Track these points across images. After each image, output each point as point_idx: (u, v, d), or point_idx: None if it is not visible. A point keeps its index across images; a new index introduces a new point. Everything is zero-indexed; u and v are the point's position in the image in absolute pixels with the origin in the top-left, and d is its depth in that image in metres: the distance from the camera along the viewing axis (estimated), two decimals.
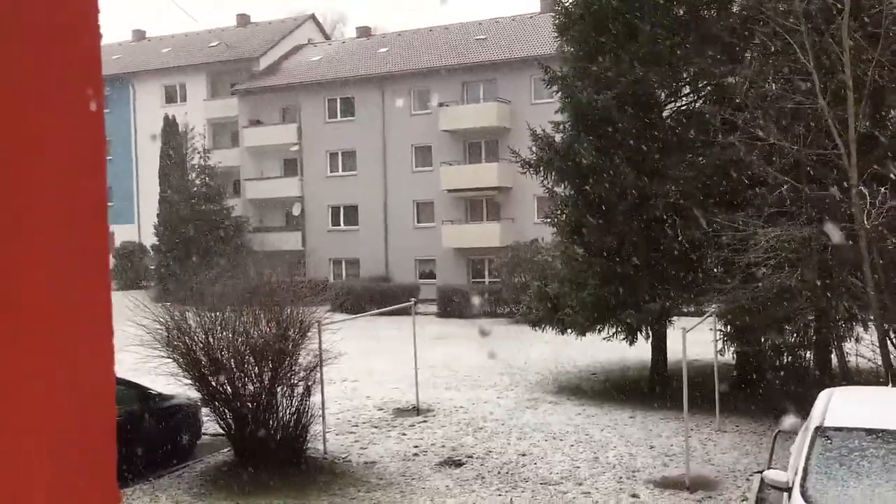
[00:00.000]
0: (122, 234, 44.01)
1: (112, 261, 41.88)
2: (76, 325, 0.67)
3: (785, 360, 15.56)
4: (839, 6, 12.34)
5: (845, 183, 12.60)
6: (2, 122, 0.63)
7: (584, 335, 17.63)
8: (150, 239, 41.29)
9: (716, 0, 16.40)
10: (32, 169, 0.65)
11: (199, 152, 39.72)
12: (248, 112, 42.99)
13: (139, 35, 52.29)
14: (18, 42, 0.65)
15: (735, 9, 16.11)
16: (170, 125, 40.50)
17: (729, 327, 15.96)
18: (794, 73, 13.16)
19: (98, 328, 0.68)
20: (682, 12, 16.49)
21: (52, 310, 0.65)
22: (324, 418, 12.71)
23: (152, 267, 40.34)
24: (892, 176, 12.96)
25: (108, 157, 44.51)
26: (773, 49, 13.95)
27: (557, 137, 17.53)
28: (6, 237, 0.63)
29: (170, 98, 45.99)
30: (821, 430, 7.41)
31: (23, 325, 0.64)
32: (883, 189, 12.15)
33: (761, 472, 9.47)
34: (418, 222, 38.79)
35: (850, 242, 12.68)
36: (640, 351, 17.97)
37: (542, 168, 17.42)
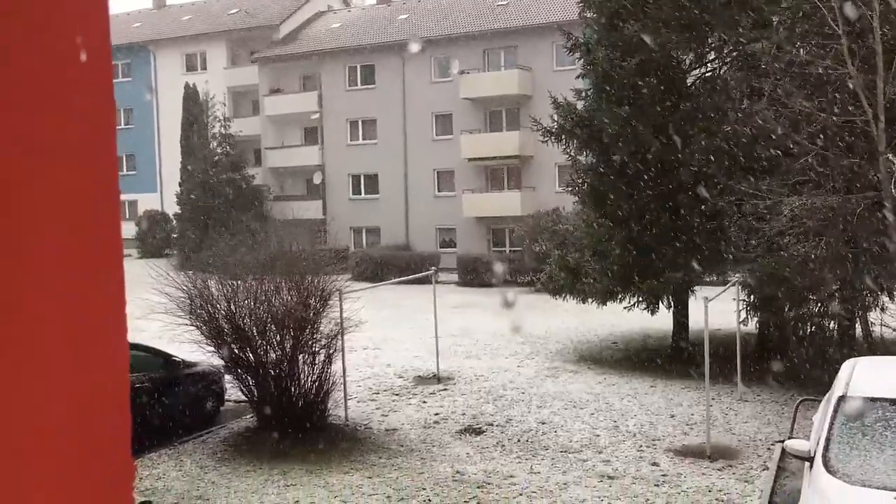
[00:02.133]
0: (144, 202, 44.34)
1: (135, 229, 42.24)
2: (88, 299, 0.66)
3: (808, 330, 15.44)
4: None
5: (872, 151, 12.39)
6: (10, 113, 0.62)
7: (605, 304, 17.59)
8: (172, 208, 41.57)
9: None
10: (42, 154, 0.64)
11: (219, 121, 39.79)
12: (268, 80, 42.92)
13: (160, 3, 52.22)
14: (22, 29, 0.63)
15: None
16: (190, 94, 40.55)
17: (752, 297, 15.85)
18: (823, 38, 12.90)
19: (111, 302, 0.67)
20: None
21: (64, 282, 0.64)
22: (345, 386, 12.81)
23: (175, 235, 40.66)
24: None
25: (130, 126, 44.76)
26: (800, 13, 13.66)
27: (579, 105, 17.35)
28: (16, 218, 0.62)
29: (190, 66, 45.99)
30: (844, 400, 7.36)
31: (34, 300, 0.63)
32: None
33: (783, 441, 9.45)
34: (439, 191, 38.72)
35: (877, 210, 12.50)
36: (662, 320, 17.92)
37: (563, 136, 17.27)
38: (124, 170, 44.83)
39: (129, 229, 41.69)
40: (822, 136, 13.41)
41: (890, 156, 11.84)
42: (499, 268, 31.28)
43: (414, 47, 35.96)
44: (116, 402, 0.66)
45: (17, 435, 0.61)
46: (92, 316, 0.66)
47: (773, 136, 13.96)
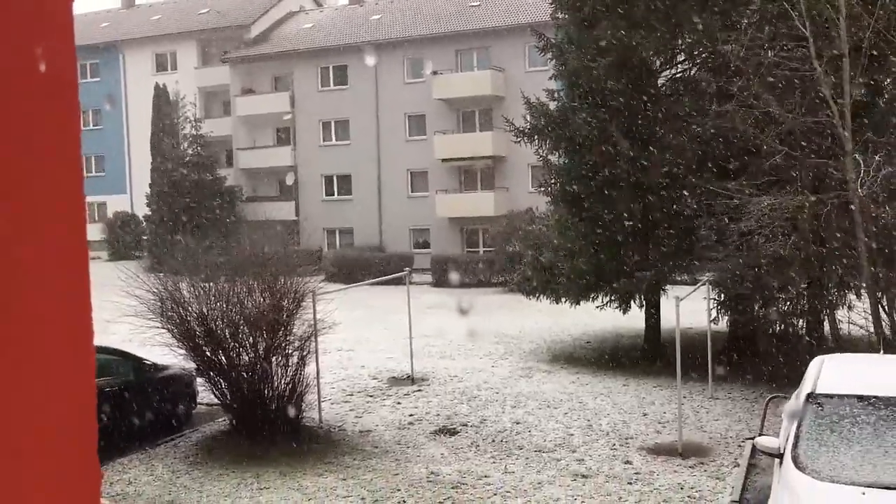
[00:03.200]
0: (114, 204, 43.84)
1: (104, 231, 41.74)
2: (53, 301, 0.65)
3: (778, 329, 15.64)
4: None
5: (840, 151, 12.58)
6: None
7: (578, 304, 17.69)
8: (142, 209, 41.13)
9: None
10: (3, 155, 0.63)
11: (190, 121, 39.43)
12: (239, 80, 42.62)
13: (128, 2, 51.66)
14: None
15: None
16: (161, 94, 40.15)
17: (722, 296, 16.02)
18: (790, 40, 13.07)
19: (76, 304, 0.66)
20: None
21: (26, 287, 0.63)
22: (318, 387, 12.76)
23: (145, 237, 40.24)
24: (885, 144, 12.93)
25: (99, 127, 44.22)
26: (769, 15, 13.83)
27: (552, 105, 17.43)
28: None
29: (160, 66, 45.54)
30: (812, 397, 7.46)
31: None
32: (877, 157, 12.14)
33: (753, 438, 9.57)
34: (412, 191, 38.70)
35: (844, 210, 12.69)
36: (634, 320, 18.05)
37: (536, 137, 17.34)
38: (93, 171, 44.29)
39: (98, 231, 41.18)
40: (790, 137, 13.59)
41: (856, 156, 12.02)
42: (454, 276, 31.22)
43: (370, 60, 35.95)
44: (81, 406, 0.65)
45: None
46: (57, 318, 0.66)
47: (742, 137, 14.13)
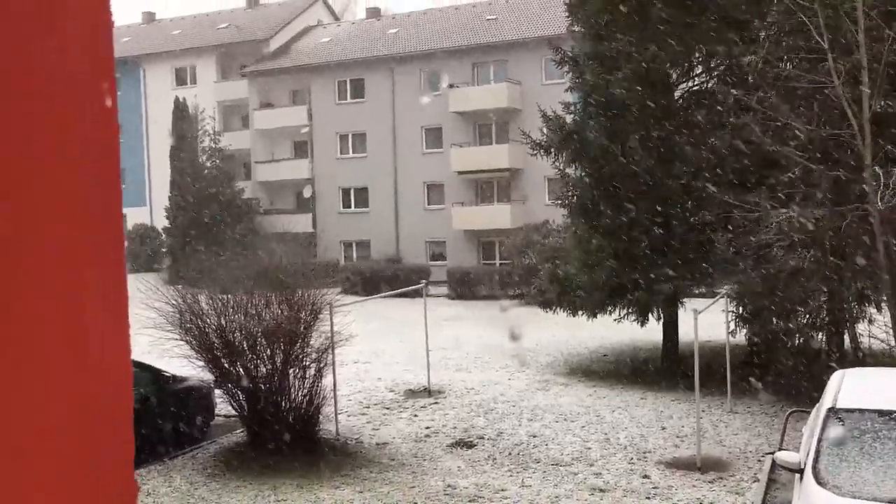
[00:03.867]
0: (133, 216, 44.19)
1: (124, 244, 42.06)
2: (92, 313, 0.67)
3: (797, 342, 15.50)
4: None
5: (858, 163, 12.50)
6: (15, 116, 0.63)
7: (595, 317, 17.62)
8: (161, 221, 41.45)
9: None
10: (46, 162, 0.65)
11: (209, 135, 39.77)
12: (258, 94, 42.96)
13: (149, 17, 52.24)
14: (29, 34, 0.64)
15: None
16: (180, 108, 40.53)
17: (741, 309, 15.91)
18: (809, 53, 13.02)
19: (114, 316, 0.68)
20: None
21: (67, 297, 0.65)
22: (335, 400, 12.77)
23: (164, 250, 40.53)
24: None
25: (120, 140, 44.63)
26: (787, 28, 13.80)
27: (568, 118, 17.44)
28: (21, 230, 0.63)
29: (180, 80, 45.98)
30: (833, 412, 7.39)
31: (38, 313, 0.64)
32: None
33: (773, 453, 9.48)
34: (429, 204, 38.77)
35: (864, 223, 12.59)
36: (651, 333, 17.96)
37: (552, 149, 17.35)
38: None
39: None
40: (809, 149, 13.52)
41: (876, 168, 11.94)
42: (488, 282, 31.20)
43: (404, 67, 36.00)
44: (119, 421, 0.67)
45: (17, 441, 0.61)
46: (94, 324, 0.67)
47: (760, 149, 14.07)
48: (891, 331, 12.58)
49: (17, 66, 0.63)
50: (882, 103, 12.27)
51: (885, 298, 12.91)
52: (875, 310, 14.62)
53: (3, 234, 0.61)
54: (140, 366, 12.35)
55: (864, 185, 12.10)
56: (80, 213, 0.65)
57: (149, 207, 45.43)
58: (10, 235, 0.62)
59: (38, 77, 0.65)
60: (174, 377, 12.86)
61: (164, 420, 12.31)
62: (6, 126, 0.62)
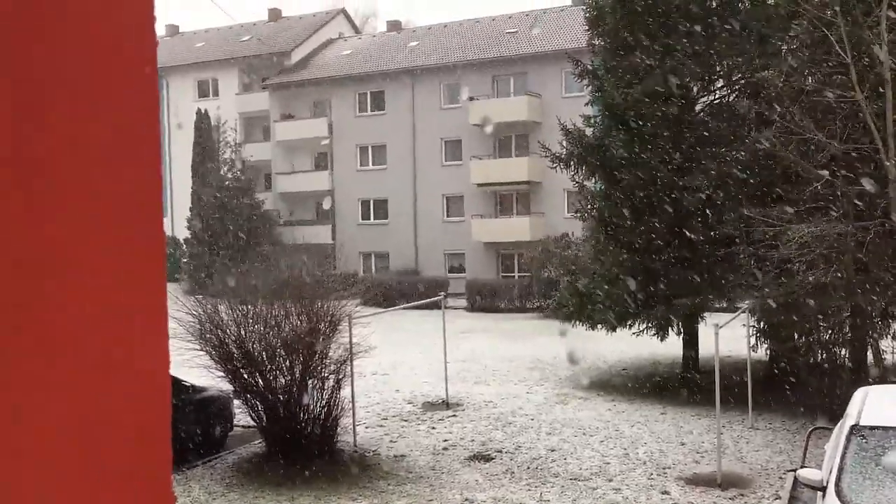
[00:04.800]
0: None
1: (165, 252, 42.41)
2: (132, 320, 0.68)
3: (819, 358, 15.34)
4: None
5: (882, 177, 12.39)
6: (57, 121, 0.64)
7: (615, 330, 17.53)
8: (182, 232, 41.76)
9: None
10: (88, 164, 0.66)
11: (230, 146, 40.10)
12: (279, 106, 43.28)
13: (173, 30, 52.83)
14: (71, 34, 0.66)
15: (770, 0, 15.88)
16: (202, 119, 40.90)
17: (762, 324, 15.78)
18: (831, 66, 12.95)
19: (154, 323, 0.69)
20: (715, 4, 16.29)
21: (108, 304, 0.66)
22: (354, 411, 12.77)
23: (185, 260, 40.81)
24: None
25: (161, 148, 45.04)
26: (809, 42, 13.73)
27: (588, 131, 17.42)
28: (58, 233, 0.64)
29: (202, 92, 46.43)
30: (856, 429, 7.30)
31: (77, 320, 0.65)
32: None
33: (795, 470, 9.37)
34: (448, 216, 38.81)
35: (887, 237, 12.47)
36: (671, 347, 17.84)
37: (572, 162, 17.34)
38: None
39: None
40: (831, 164, 13.42)
41: None
42: (507, 295, 31.07)
43: (424, 79, 36.05)
44: (158, 431, 0.68)
45: (55, 450, 0.62)
46: (134, 333, 0.68)
47: (782, 163, 13.98)
48: None
49: (69, 65, 0.64)
50: None
51: None
52: None
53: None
54: None
55: (888, 200, 11.98)
56: (122, 219, 0.66)
57: (170, 218, 45.78)
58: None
59: (81, 79, 0.65)
60: (193, 387, 12.92)
61: (182, 430, 12.36)
62: (48, 128, 0.63)
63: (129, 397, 0.67)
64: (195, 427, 12.73)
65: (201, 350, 11.78)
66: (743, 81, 16.54)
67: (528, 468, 11.69)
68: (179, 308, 11.74)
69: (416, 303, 20.56)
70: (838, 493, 6.73)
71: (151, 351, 0.68)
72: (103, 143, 0.66)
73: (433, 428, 14.07)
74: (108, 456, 0.65)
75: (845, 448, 7.14)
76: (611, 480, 11.11)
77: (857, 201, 13.16)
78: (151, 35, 0.71)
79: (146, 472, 0.67)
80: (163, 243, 0.70)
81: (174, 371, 12.45)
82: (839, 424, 8.22)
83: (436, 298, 17.45)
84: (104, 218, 0.65)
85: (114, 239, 0.66)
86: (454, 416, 14.90)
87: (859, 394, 8.22)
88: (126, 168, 0.67)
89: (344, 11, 51.06)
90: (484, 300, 32.76)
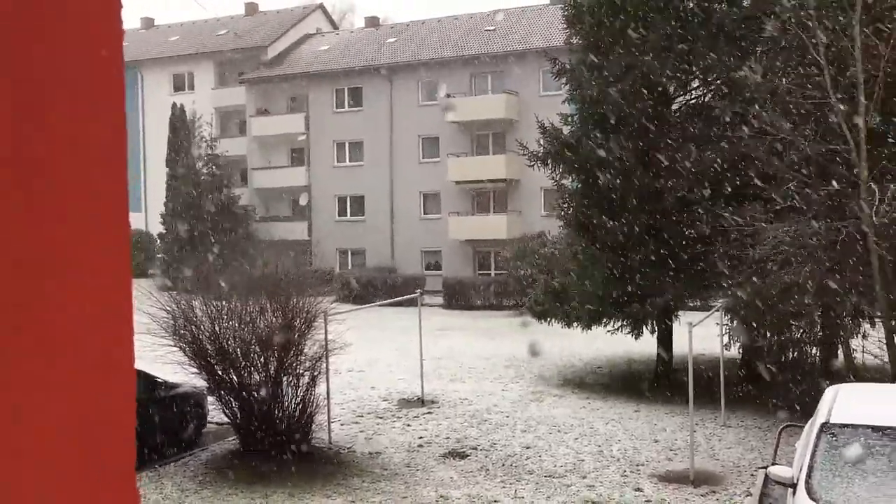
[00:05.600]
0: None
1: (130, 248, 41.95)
2: (97, 317, 0.66)
3: (791, 356, 15.53)
4: (851, 1, 12.26)
5: (854, 179, 12.54)
6: (21, 114, 0.63)
7: (590, 328, 17.62)
8: (157, 227, 41.37)
9: None
10: (53, 159, 0.65)
11: (206, 141, 39.75)
12: (255, 101, 43.00)
13: (147, 23, 52.30)
14: (35, 30, 0.64)
15: (746, 2, 16.01)
16: (177, 114, 40.53)
17: (735, 322, 15.93)
18: (806, 68, 13.09)
19: (118, 321, 0.68)
20: (692, 5, 16.40)
21: (72, 301, 0.65)
22: (329, 408, 12.74)
23: (159, 255, 40.44)
24: None
25: (126, 141, 44.55)
26: (784, 44, 13.86)
27: (566, 130, 17.48)
28: (26, 228, 0.63)
29: (178, 86, 46.02)
30: (826, 427, 7.39)
31: (42, 317, 0.64)
32: (892, 185, 12.09)
33: (766, 467, 9.47)
34: (425, 213, 38.78)
35: (858, 238, 12.63)
36: (646, 345, 17.96)
37: (549, 160, 17.38)
38: None
39: None
40: (805, 164, 13.57)
41: (871, 184, 11.98)
42: (483, 292, 31.16)
43: (402, 76, 36.03)
44: (122, 428, 0.66)
45: (17, 446, 0.61)
46: (97, 329, 0.67)
47: (757, 164, 14.11)
48: (885, 346, 12.60)
49: (29, 64, 0.63)
50: (878, 120, 12.33)
51: (879, 314, 12.94)
52: (869, 325, 14.65)
53: (8, 235, 0.61)
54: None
55: (860, 201, 12.14)
56: (86, 215, 0.65)
57: (144, 213, 45.33)
58: (15, 236, 0.61)
59: (45, 76, 0.64)
60: (167, 383, 12.81)
61: (155, 426, 12.25)
62: (13, 125, 0.62)
63: (94, 394, 0.65)
64: (168, 424, 12.63)
65: (175, 346, 11.69)
66: (719, 82, 16.67)
67: (503, 465, 11.72)
68: (153, 304, 11.63)
69: (392, 300, 20.53)
70: (808, 489, 6.81)
71: (115, 345, 0.67)
72: (67, 136, 0.65)
73: (408, 425, 14.06)
74: (69, 451, 0.63)
75: (815, 445, 7.23)
76: (585, 477, 11.17)
77: (829, 202, 13.32)
78: (118, 28, 0.69)
79: (109, 469, 0.66)
80: (128, 239, 0.68)
81: (148, 367, 12.36)
82: (810, 422, 8.33)
83: (412, 296, 17.43)
84: (68, 215, 0.64)
85: (77, 234, 0.65)
86: (430, 413, 14.91)
87: (830, 392, 8.32)
88: (91, 162, 0.66)
89: (321, 7, 50.82)
90: (460, 298, 32.80)
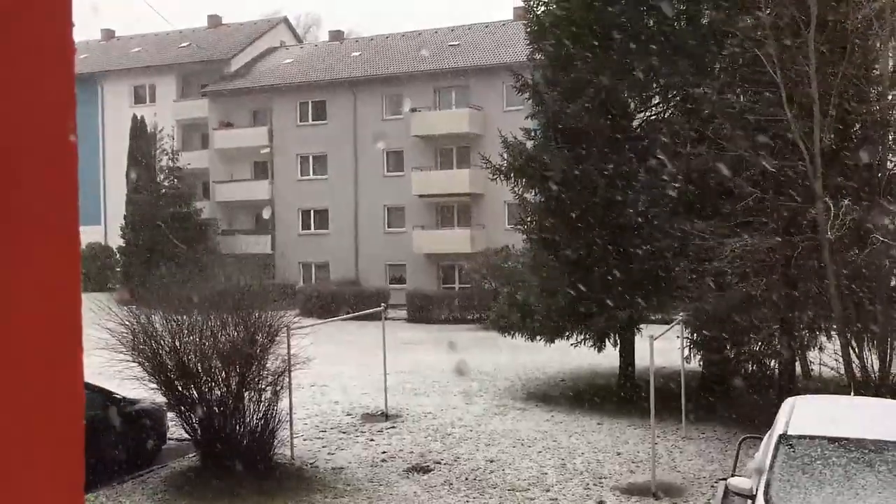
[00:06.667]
0: (88, 235, 43.29)
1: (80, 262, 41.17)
2: (44, 330, 0.66)
3: (750, 369, 15.74)
4: (805, 20, 12.55)
5: (810, 194, 12.81)
6: None
7: (553, 342, 17.70)
8: (116, 240, 40.77)
9: (685, 12, 16.61)
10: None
11: (167, 153, 39.32)
12: (218, 114, 42.67)
13: (108, 34, 51.69)
14: None
15: (704, 21, 16.31)
16: (138, 126, 40.06)
17: (696, 335, 16.12)
18: (762, 85, 13.36)
19: (67, 335, 0.67)
20: (652, 23, 16.66)
21: (18, 315, 0.64)
22: (291, 423, 12.61)
23: (118, 269, 39.83)
24: (855, 188, 13.19)
25: (77, 154, 43.82)
26: (741, 61, 14.14)
27: (528, 144, 17.60)
28: None
29: (139, 98, 45.51)
30: (784, 438, 7.50)
31: None
32: (846, 201, 12.37)
33: (726, 479, 9.57)
34: (389, 227, 38.74)
35: (814, 252, 12.88)
36: (608, 358, 18.08)
37: (512, 175, 17.48)
38: None
39: None
40: (762, 180, 13.83)
41: (826, 199, 12.24)
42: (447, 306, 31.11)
43: (366, 90, 36.04)
44: (69, 445, 0.66)
45: None
46: (43, 344, 0.66)
47: (715, 179, 14.34)
48: (840, 358, 12.84)
49: None
50: (832, 137, 12.62)
51: (835, 326, 13.19)
52: (825, 337, 14.92)
53: None
54: (90, 387, 12.07)
55: (815, 216, 12.40)
56: (34, 226, 0.65)
57: (103, 226, 44.67)
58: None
59: None
60: (125, 399, 12.60)
61: (114, 443, 12.03)
62: None
63: (40, 411, 0.65)
64: (126, 440, 12.42)
65: (134, 361, 11.50)
66: (678, 98, 16.93)
67: (467, 479, 11.70)
68: (112, 318, 11.44)
69: (356, 314, 20.43)
70: (767, 501, 6.90)
71: (63, 360, 0.67)
72: (11, 147, 0.65)
73: (372, 440, 13.98)
74: (12, 468, 0.63)
75: (773, 457, 7.33)
76: (548, 490, 11.19)
77: (786, 216, 13.57)
78: (68, 34, 0.69)
79: (56, 488, 0.65)
80: (78, 253, 0.68)
81: (107, 383, 12.14)
82: (768, 434, 8.44)
83: (376, 309, 17.37)
84: (13, 226, 0.64)
85: (27, 247, 0.64)
86: (393, 427, 14.84)
87: (787, 404, 8.45)
88: (39, 174, 0.66)
89: (286, 20, 50.71)
90: (424, 311, 32.77)
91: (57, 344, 0.66)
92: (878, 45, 13.54)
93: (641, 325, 16.98)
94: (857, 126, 14.21)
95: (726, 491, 9.31)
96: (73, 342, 0.67)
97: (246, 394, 11.75)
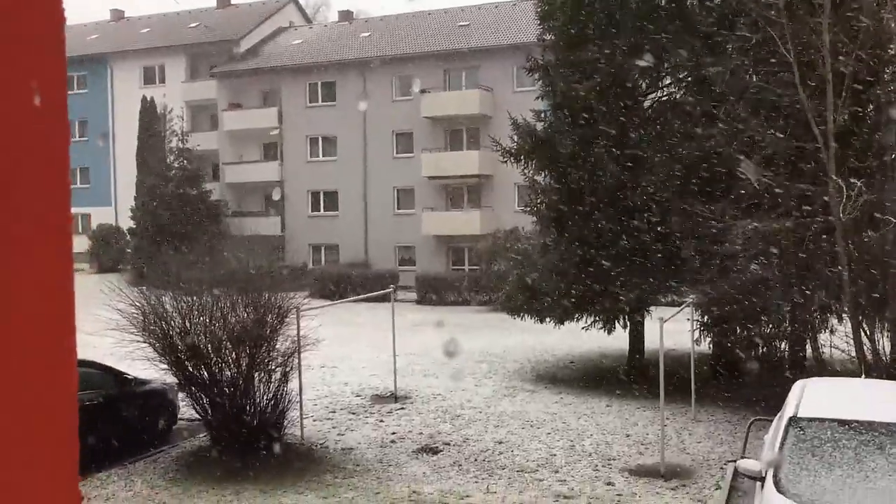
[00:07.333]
0: (98, 216, 43.57)
1: (88, 244, 41.44)
2: (36, 314, 0.64)
3: (760, 351, 15.70)
4: (820, 1, 12.39)
5: (823, 175, 12.70)
6: None
7: (563, 324, 17.69)
8: (126, 222, 40.91)
9: None
10: None
11: (177, 135, 39.33)
12: (227, 95, 42.61)
13: (117, 15, 51.63)
14: None
15: (717, 0, 16.13)
16: (148, 107, 40.06)
17: (706, 317, 16.08)
18: (775, 66, 13.21)
19: (60, 318, 0.66)
20: (664, 2, 16.49)
21: (9, 298, 0.62)
22: (301, 404, 12.68)
23: (129, 250, 40.00)
24: (868, 169, 13.07)
25: (85, 139, 44.01)
26: (754, 41, 13.98)
27: (538, 126, 17.51)
28: None
29: (148, 79, 45.48)
30: (794, 421, 7.48)
31: None
32: (859, 182, 12.25)
33: (735, 461, 9.57)
34: (398, 209, 38.71)
35: (826, 234, 12.79)
36: (618, 340, 18.07)
37: (522, 156, 17.41)
38: (78, 183, 44.05)
39: (82, 243, 40.91)
40: (774, 161, 13.71)
41: (839, 181, 12.13)
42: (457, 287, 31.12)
43: (375, 71, 35.90)
44: (62, 428, 0.64)
45: None
46: (39, 331, 0.65)
47: (726, 160, 14.23)
48: (851, 341, 12.78)
49: None
50: (845, 117, 12.48)
51: (846, 309, 13.12)
52: (836, 320, 14.85)
53: None
54: (102, 368, 12.16)
55: (827, 197, 12.30)
56: (25, 210, 0.63)
57: (114, 207, 44.84)
58: None
59: None
60: (136, 379, 12.68)
61: (125, 423, 12.13)
62: None
63: (33, 393, 0.63)
64: (138, 420, 12.52)
65: (144, 342, 11.56)
66: (690, 79, 16.78)
67: (476, 460, 11.74)
68: (123, 299, 11.50)
69: (365, 295, 20.48)
70: (776, 483, 6.89)
71: (57, 346, 0.65)
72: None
73: (381, 421, 14.04)
74: (4, 452, 0.61)
75: (783, 439, 7.31)
76: (557, 472, 11.22)
77: (798, 198, 13.47)
78: (60, 31, 0.67)
79: (49, 471, 0.64)
80: (70, 245, 0.66)
81: (118, 364, 12.23)
82: (778, 416, 8.42)
83: (385, 291, 17.40)
84: (6, 218, 0.62)
85: (19, 241, 0.63)
86: (402, 408, 14.89)
87: (798, 386, 8.42)
88: (29, 154, 0.64)
89: (295, 1, 50.47)
90: (434, 293, 32.79)
91: (50, 337, 0.65)
92: (892, 25, 13.36)
93: (651, 308, 16.94)
94: (871, 107, 14.05)
95: (735, 473, 9.31)
96: (66, 335, 0.65)
97: (256, 375, 11.81)
